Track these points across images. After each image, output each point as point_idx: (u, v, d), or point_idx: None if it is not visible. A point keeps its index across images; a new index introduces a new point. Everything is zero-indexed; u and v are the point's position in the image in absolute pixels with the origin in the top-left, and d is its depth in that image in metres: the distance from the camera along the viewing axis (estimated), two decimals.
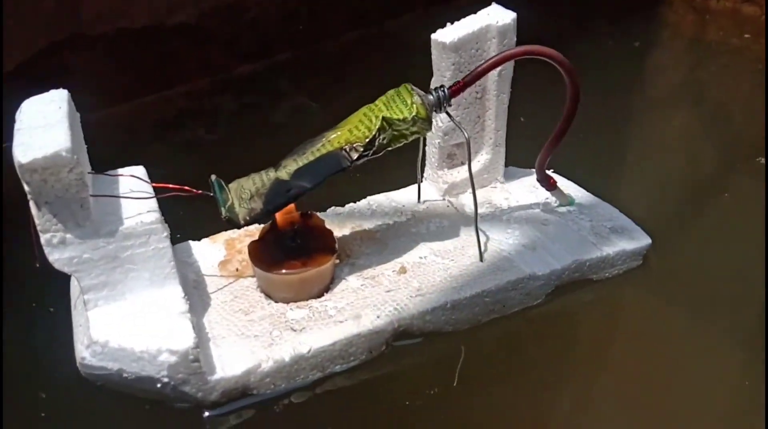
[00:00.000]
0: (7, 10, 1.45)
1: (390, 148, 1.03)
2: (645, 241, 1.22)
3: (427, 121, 1.02)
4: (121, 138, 1.52)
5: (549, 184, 1.23)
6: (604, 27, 2.11)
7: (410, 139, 1.04)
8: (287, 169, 1.00)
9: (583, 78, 1.07)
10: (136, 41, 1.67)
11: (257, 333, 0.98)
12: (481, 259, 1.13)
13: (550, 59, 1.07)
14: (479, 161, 1.28)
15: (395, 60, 1.91)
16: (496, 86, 1.20)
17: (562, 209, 1.27)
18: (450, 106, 1.06)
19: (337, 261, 1.08)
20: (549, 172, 1.21)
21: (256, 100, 1.78)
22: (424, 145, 1.20)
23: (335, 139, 1.00)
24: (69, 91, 0.99)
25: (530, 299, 1.14)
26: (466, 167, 1.24)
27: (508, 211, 1.24)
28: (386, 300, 1.04)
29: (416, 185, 1.26)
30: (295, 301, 1.03)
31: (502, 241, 1.17)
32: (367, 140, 0.99)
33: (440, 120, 1.21)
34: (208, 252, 1.13)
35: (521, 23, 1.14)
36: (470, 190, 1.13)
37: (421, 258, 1.13)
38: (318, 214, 1.14)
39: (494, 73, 1.16)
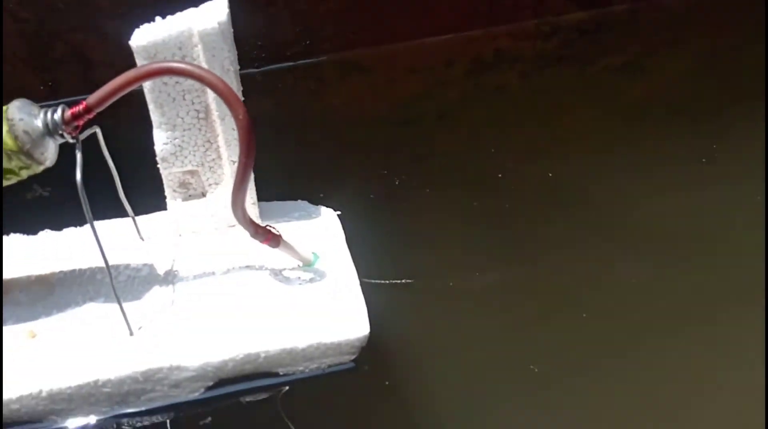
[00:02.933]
0: None
1: None
2: (360, 331, 0.95)
3: (24, 154, 0.81)
4: (437, 71, 1.60)
5: (267, 240, 0.94)
6: None
7: (24, 174, 0.85)
8: None
9: None
10: None
11: None
12: (131, 333, 0.93)
13: (203, 82, 0.81)
14: (218, 196, 1.05)
15: (743, 29, 1.67)
16: (217, 106, 0.96)
17: (293, 273, 1.00)
18: (72, 131, 0.83)
19: None
20: (266, 224, 0.97)
21: (579, 52, 1.66)
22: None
23: None
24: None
25: (181, 392, 0.92)
26: (205, 200, 1.05)
27: (228, 271, 1.02)
28: None
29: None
30: None
31: (179, 312, 0.96)
32: None
33: (157, 141, 1.00)
34: None
35: None
36: (213, 227, 1.05)
37: (61, 322, 0.95)
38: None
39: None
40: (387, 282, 1.10)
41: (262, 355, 0.93)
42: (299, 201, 1.19)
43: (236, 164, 1.01)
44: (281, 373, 0.96)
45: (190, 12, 0.97)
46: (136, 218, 1.09)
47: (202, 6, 0.98)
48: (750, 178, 1.33)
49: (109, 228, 1.11)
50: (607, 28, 1.70)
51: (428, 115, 1.50)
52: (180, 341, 0.93)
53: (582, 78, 1.60)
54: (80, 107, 0.84)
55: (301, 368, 0.97)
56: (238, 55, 1.58)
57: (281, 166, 1.32)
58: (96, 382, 0.89)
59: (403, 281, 1.11)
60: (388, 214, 1.27)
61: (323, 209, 1.17)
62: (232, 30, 0.99)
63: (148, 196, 1.10)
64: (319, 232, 1.12)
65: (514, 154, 1.40)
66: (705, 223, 1.25)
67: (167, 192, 1.08)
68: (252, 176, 0.98)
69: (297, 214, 1.16)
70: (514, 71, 1.61)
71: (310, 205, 1.18)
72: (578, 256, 1.19)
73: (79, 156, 0.84)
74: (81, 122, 0.85)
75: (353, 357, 0.98)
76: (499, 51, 1.65)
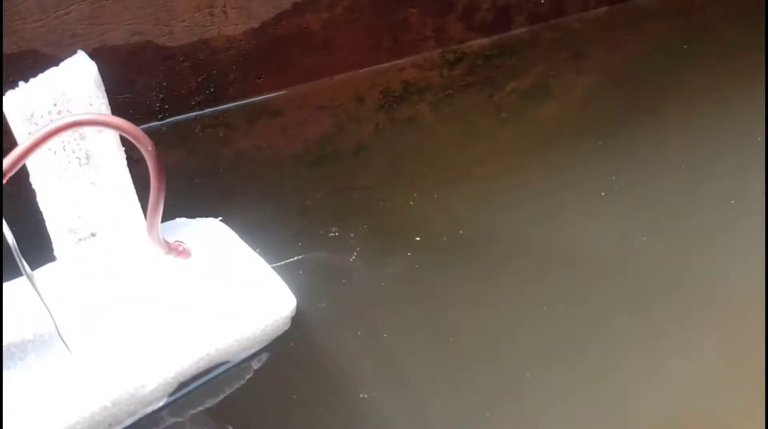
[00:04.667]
0: None
1: None
2: (290, 304, 1.11)
3: None
4: (348, 107, 1.60)
5: (181, 254, 1.09)
6: None
7: None
8: None
9: None
10: (374, 6, 1.64)
11: None
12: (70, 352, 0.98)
13: (110, 127, 0.87)
14: (110, 233, 1.09)
15: (641, 42, 1.76)
16: (99, 151, 1.01)
17: (208, 277, 1.12)
18: None
19: None
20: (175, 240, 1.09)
21: (485, 77, 1.68)
22: None
23: None
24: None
25: (147, 405, 1.00)
26: (96, 239, 1.08)
27: (147, 293, 1.10)
28: None
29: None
30: None
31: (117, 337, 1.02)
32: None
33: (41, 194, 1.03)
34: None
35: None
36: (110, 262, 1.08)
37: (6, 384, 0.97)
38: None
39: (92, 136, 0.99)
40: (284, 262, 1.24)
41: (214, 349, 1.04)
42: (177, 219, 1.23)
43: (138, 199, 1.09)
44: (231, 360, 1.08)
45: (54, 71, 0.98)
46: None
47: (63, 64, 1.00)
48: (661, 191, 1.39)
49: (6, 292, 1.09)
50: (510, 51, 1.72)
51: (344, 152, 1.49)
52: (133, 361, 1.01)
53: (492, 103, 1.61)
54: None
55: (247, 351, 1.09)
56: (140, 108, 1.58)
57: (197, 214, 1.28)
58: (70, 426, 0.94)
59: (297, 258, 1.26)
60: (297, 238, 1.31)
61: (205, 220, 1.24)
62: (100, 77, 1.02)
63: (30, 251, 1.03)
64: (212, 237, 1.20)
65: (433, 183, 1.41)
66: (620, 244, 1.29)
67: (55, 241, 1.08)
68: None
69: (181, 229, 1.21)
70: (425, 101, 1.61)
71: (190, 220, 1.24)
72: (493, 277, 1.24)
73: None
74: None
75: (287, 327, 1.12)
76: (407, 83, 1.66)
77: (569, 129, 1.55)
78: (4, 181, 0.84)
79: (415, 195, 1.38)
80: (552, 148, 1.49)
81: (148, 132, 1.32)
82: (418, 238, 1.29)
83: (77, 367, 0.99)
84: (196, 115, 1.56)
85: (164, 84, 1.53)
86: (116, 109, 1.49)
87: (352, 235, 1.30)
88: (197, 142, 1.52)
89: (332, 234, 1.30)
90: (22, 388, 0.97)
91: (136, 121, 1.49)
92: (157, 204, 0.96)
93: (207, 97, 1.57)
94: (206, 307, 1.08)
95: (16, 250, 0.88)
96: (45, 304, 0.94)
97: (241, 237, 1.22)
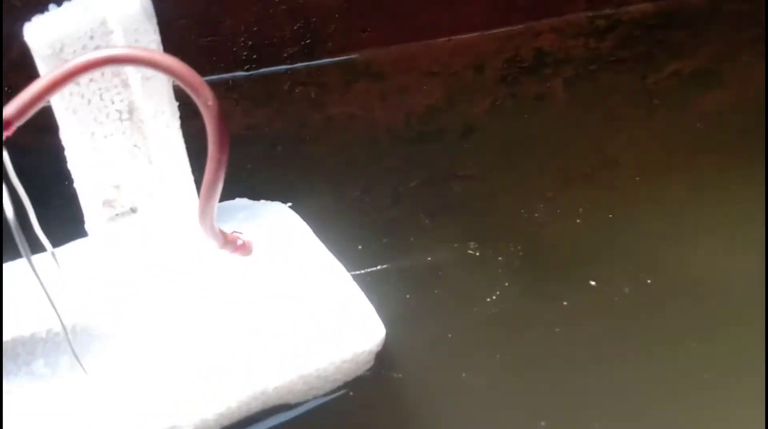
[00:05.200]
0: None
1: None
2: (376, 335, 0.87)
3: None
4: (463, 76, 1.38)
5: (238, 249, 0.88)
6: None
7: None
8: None
9: None
10: None
11: None
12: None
13: (167, 73, 0.67)
14: (153, 210, 0.94)
15: None
16: (144, 102, 0.84)
17: (275, 283, 0.92)
18: None
19: None
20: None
21: (642, 53, 1.41)
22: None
23: None
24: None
25: None
26: (137, 217, 0.94)
27: (194, 294, 0.90)
28: None
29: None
30: None
31: (151, 360, 0.85)
32: None
33: (71, 155, 0.87)
34: None
35: None
36: (152, 248, 0.92)
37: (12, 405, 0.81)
38: None
39: (137, 84, 0.82)
40: (369, 270, 1.05)
41: (271, 387, 0.82)
42: (237, 199, 1.05)
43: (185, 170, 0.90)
44: (293, 403, 0.86)
45: None
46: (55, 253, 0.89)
47: None
48: None
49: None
50: (679, 23, 1.44)
51: (451, 131, 1.30)
52: (169, 393, 0.81)
53: (643, 86, 1.35)
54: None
55: (314, 392, 0.87)
56: (225, 55, 1.39)
57: (274, 187, 1.15)
58: None
59: (378, 267, 1.06)
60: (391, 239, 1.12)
61: (271, 204, 1.05)
62: (152, 6, 0.84)
63: (57, 225, 0.88)
64: (279, 229, 0.99)
65: (554, 181, 1.20)
66: None
67: (87, 215, 0.93)
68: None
69: (242, 214, 1.02)
70: (559, 77, 1.38)
71: (253, 202, 1.06)
72: (605, 303, 1.03)
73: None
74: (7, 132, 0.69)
75: (370, 366, 0.89)
76: (540, 51, 1.42)
77: (738, 128, 1.28)
78: (10, 132, 0.67)
79: (526, 197, 1.18)
80: (706, 154, 1.24)
81: (232, 83, 1.13)
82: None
83: (93, 396, 0.82)
84: (287, 70, 1.38)
85: (255, 29, 1.35)
86: (197, 54, 1.37)
87: (455, 245, 1.09)
88: (285, 102, 1.34)
89: (433, 238, 1.11)
90: (23, 409, 0.82)
91: (220, 71, 1.38)
92: (214, 182, 0.76)
93: (302, 49, 1.38)
94: (265, 328, 0.87)
95: (16, 226, 0.70)
96: (51, 301, 0.77)
97: (318, 226, 1.01)
